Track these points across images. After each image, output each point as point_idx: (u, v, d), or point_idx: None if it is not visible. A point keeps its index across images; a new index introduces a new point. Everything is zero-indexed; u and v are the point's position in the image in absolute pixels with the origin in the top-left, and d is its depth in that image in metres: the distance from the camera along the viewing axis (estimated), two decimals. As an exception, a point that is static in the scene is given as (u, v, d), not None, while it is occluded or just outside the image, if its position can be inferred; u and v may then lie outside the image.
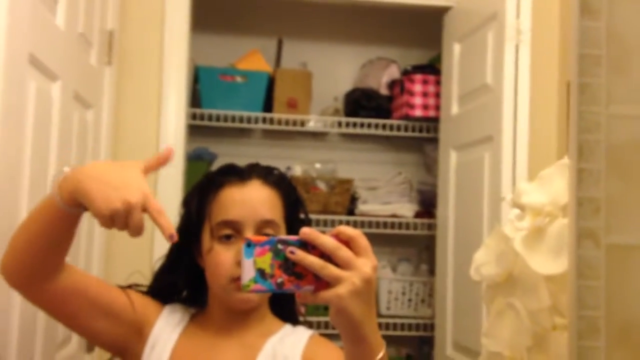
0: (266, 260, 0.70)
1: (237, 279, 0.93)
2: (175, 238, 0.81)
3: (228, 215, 0.99)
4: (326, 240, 0.70)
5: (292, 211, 1.06)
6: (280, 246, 0.70)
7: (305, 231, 0.71)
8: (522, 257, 0.57)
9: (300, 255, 0.70)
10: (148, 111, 2.03)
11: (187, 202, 1.08)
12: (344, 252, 0.70)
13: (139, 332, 1.02)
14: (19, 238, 0.90)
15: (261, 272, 0.70)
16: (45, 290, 0.93)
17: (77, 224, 0.90)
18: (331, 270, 0.69)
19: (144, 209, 0.80)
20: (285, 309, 1.09)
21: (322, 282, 0.70)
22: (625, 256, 0.44)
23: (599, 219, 0.43)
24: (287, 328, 1.06)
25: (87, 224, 1.70)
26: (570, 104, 0.42)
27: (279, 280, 0.70)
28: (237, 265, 0.95)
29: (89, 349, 1.70)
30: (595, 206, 0.43)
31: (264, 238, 0.71)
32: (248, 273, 0.70)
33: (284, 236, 0.74)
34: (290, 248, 0.70)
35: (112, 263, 1.87)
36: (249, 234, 0.97)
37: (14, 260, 0.91)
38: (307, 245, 0.71)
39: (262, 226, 0.99)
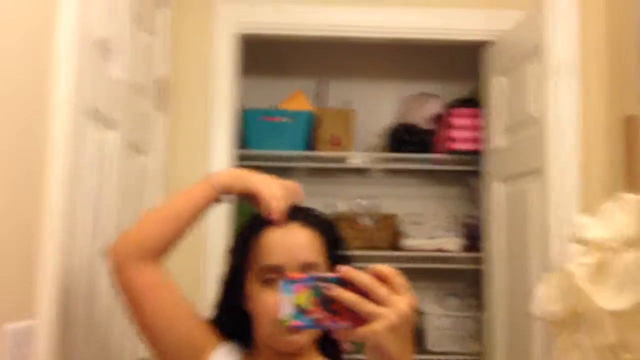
0: (304, 297, 0.72)
1: None
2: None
3: (270, 260, 1.01)
4: (363, 277, 0.72)
5: (333, 249, 1.07)
6: (318, 283, 0.72)
7: (343, 269, 0.73)
8: (586, 293, 0.57)
9: (338, 291, 0.72)
10: (197, 154, 2.10)
11: (231, 250, 1.11)
12: (381, 289, 0.72)
13: (196, 357, 1.04)
14: (157, 212, 1.07)
15: (299, 308, 0.72)
16: (142, 272, 1.02)
17: (205, 212, 1.08)
18: (368, 306, 0.71)
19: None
20: (331, 347, 1.09)
21: (359, 319, 0.71)
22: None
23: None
24: None
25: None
26: None
27: (317, 316, 0.72)
28: None
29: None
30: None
31: (302, 275, 0.74)
32: (286, 309, 0.72)
33: (321, 273, 0.76)
34: (328, 285, 0.72)
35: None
36: None
37: (138, 234, 1.05)
38: (344, 283, 0.72)
39: (304, 269, 1.00)
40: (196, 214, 1.07)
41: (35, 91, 1.04)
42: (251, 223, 1.09)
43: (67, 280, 1.13)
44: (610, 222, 0.57)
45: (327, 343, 1.09)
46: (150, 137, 1.83)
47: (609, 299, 0.54)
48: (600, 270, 0.56)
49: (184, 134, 2.10)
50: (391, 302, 0.71)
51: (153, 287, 1.03)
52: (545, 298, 0.60)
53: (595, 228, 0.59)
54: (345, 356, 1.14)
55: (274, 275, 1.00)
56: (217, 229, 2.07)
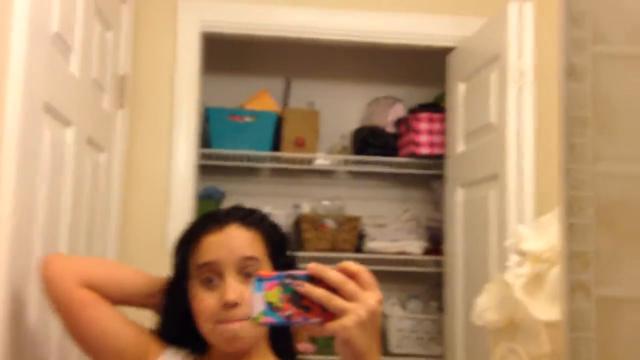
0: (275, 294, 0.74)
1: (221, 321, 0.96)
2: None
3: (207, 257, 1.00)
4: (332, 274, 0.74)
5: (276, 250, 1.06)
6: (288, 280, 0.74)
7: (312, 266, 0.74)
8: (522, 304, 0.58)
9: (308, 288, 0.73)
10: (159, 152, 2.07)
11: (173, 253, 1.09)
12: (350, 286, 0.74)
13: None
14: (109, 263, 1.06)
15: (270, 306, 0.73)
16: (77, 290, 1.02)
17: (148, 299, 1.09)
18: (337, 302, 0.73)
19: None
20: (284, 348, 1.09)
21: (329, 315, 0.73)
22: (615, 308, 0.45)
23: (589, 272, 0.45)
24: None
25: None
26: (559, 162, 0.44)
27: (288, 312, 0.73)
28: (221, 308, 0.96)
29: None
30: (585, 259, 0.44)
31: (273, 273, 0.75)
32: (258, 306, 0.74)
33: (292, 271, 0.77)
34: (298, 282, 0.74)
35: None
36: (230, 274, 0.98)
37: (83, 267, 1.06)
38: (314, 280, 0.74)
39: (243, 264, 0.99)
40: (143, 291, 1.08)
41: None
42: (190, 227, 1.08)
43: (19, 282, 1.10)
44: (546, 234, 0.59)
45: (280, 343, 1.08)
46: (110, 134, 1.80)
47: (543, 310, 0.56)
48: (536, 282, 0.57)
49: (145, 132, 2.07)
50: (360, 297, 0.73)
51: (88, 301, 1.02)
52: (485, 307, 0.61)
53: (532, 240, 0.60)
54: (300, 356, 1.14)
55: (211, 274, 0.99)
56: (179, 229, 2.04)
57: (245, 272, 0.99)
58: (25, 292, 1.14)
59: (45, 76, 1.22)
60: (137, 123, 2.05)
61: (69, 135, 1.41)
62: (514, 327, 0.60)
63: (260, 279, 0.74)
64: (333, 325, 0.73)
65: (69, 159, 1.40)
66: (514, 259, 0.61)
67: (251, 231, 1.03)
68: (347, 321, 0.72)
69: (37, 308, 1.19)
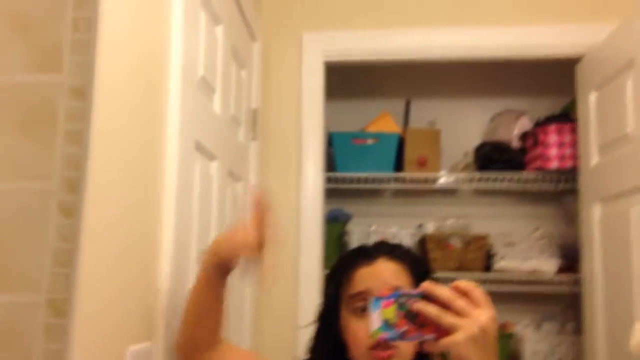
0: (391, 311, 0.79)
1: (374, 348, 0.99)
2: None
3: (358, 287, 1.06)
4: (442, 291, 0.79)
5: (420, 281, 1.08)
6: (403, 299, 0.79)
7: (425, 285, 0.80)
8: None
9: (420, 305, 0.78)
10: (289, 179, 2.18)
11: (326, 285, 1.16)
12: (460, 302, 0.78)
13: None
14: (185, 312, 1.10)
15: (386, 322, 0.79)
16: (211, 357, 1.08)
17: (222, 293, 1.09)
18: (448, 318, 0.77)
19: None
20: None
21: (443, 331, 0.77)
22: None
23: None
24: None
25: (238, 300, 1.83)
26: None
27: (403, 329, 0.78)
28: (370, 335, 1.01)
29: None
30: None
31: (389, 292, 0.81)
32: (375, 323, 0.79)
33: (406, 290, 0.82)
34: (412, 300, 0.79)
35: (260, 337, 2.00)
36: None
37: (183, 334, 1.10)
38: (428, 298, 0.79)
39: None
40: (212, 294, 1.07)
41: (151, 129, 1.13)
42: (341, 261, 1.15)
43: (179, 303, 1.21)
44: None
45: None
46: (244, 164, 1.93)
47: None
48: None
49: (275, 161, 2.19)
50: (471, 314, 0.77)
51: None
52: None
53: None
54: None
55: (362, 302, 1.04)
56: (309, 251, 2.13)
57: None
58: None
59: (194, 117, 1.34)
60: (268, 152, 2.17)
61: (214, 168, 1.53)
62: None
63: (378, 298, 0.80)
64: (446, 341, 0.77)
65: (215, 190, 1.52)
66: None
67: (398, 264, 1.08)
68: (458, 337, 0.76)
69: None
